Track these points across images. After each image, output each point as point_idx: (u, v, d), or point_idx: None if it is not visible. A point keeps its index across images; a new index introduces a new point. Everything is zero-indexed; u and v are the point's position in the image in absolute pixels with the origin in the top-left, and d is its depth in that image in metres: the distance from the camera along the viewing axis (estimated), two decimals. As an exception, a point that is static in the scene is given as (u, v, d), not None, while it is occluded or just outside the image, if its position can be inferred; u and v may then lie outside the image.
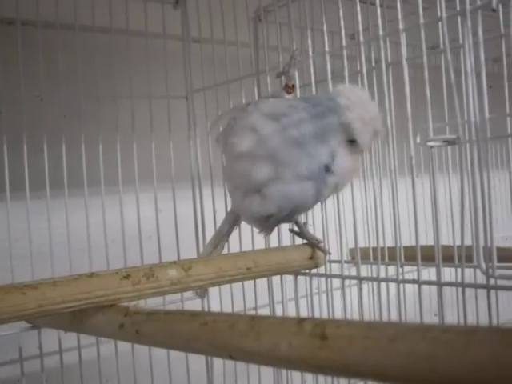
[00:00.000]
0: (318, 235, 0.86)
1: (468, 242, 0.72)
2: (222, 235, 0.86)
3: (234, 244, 0.91)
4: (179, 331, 0.58)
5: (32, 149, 0.86)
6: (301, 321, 0.48)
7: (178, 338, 0.58)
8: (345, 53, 0.82)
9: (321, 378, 0.93)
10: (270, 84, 0.96)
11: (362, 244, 0.90)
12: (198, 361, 0.98)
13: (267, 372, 0.98)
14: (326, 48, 0.85)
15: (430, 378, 0.39)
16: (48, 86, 0.87)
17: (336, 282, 0.89)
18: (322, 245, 0.85)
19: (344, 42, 0.82)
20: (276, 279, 0.99)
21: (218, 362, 1.00)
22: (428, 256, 0.80)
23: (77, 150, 0.89)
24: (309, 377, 1.00)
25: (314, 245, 0.84)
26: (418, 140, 0.76)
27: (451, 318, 0.81)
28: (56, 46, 0.88)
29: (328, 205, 0.86)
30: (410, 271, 0.86)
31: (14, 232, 0.84)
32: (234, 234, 0.89)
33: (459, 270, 0.75)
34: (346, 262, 0.87)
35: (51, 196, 0.86)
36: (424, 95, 0.75)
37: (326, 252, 0.85)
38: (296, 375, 0.99)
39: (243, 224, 0.87)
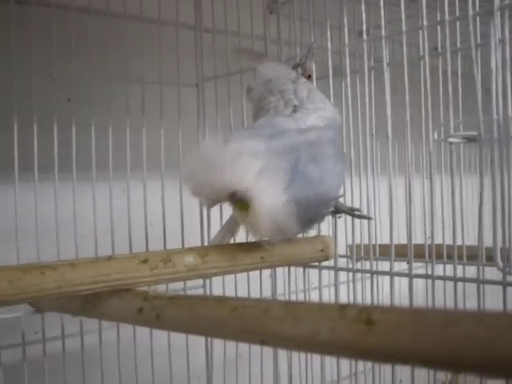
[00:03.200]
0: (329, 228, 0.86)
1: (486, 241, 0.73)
2: (234, 223, 0.85)
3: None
4: (205, 316, 0.57)
5: (41, 130, 0.84)
6: (342, 307, 0.48)
7: (203, 324, 0.57)
8: (365, 47, 0.82)
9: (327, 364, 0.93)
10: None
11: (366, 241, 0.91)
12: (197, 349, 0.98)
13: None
14: (346, 41, 0.85)
15: (486, 363, 0.39)
16: (60, 66, 0.85)
17: (343, 276, 0.89)
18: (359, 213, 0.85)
19: (365, 36, 0.82)
20: (278, 271, 1.00)
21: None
22: (440, 254, 0.81)
23: (86, 133, 0.88)
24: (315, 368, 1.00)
25: (353, 215, 0.84)
26: (436, 137, 0.76)
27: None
28: (69, 27, 0.86)
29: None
30: (421, 267, 0.86)
31: (19, 213, 0.82)
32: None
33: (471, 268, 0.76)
34: (359, 257, 0.88)
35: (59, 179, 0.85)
36: (438, 94, 0.76)
37: (369, 217, 0.85)
38: (295, 365, 0.99)
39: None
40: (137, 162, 0.93)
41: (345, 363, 0.93)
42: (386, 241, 0.84)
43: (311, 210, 0.70)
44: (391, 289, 0.82)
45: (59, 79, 0.86)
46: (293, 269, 0.94)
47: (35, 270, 0.61)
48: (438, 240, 0.83)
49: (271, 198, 0.64)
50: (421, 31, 0.77)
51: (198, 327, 0.58)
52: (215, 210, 0.97)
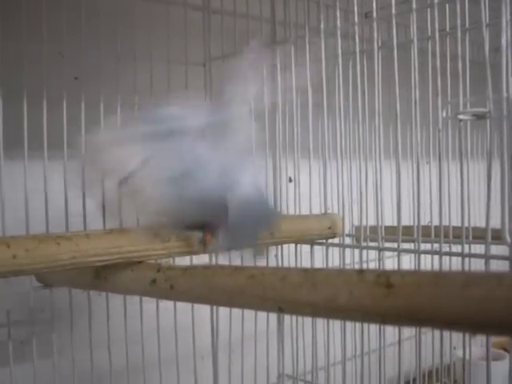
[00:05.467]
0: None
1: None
2: None
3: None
4: (221, 285, 0.58)
5: (51, 107, 0.85)
6: (361, 271, 0.48)
7: (219, 292, 0.58)
8: (375, 26, 0.83)
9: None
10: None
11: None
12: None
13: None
14: (356, 20, 0.85)
15: (506, 322, 0.39)
16: (70, 42, 0.86)
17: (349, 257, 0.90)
18: None
19: (375, 14, 0.83)
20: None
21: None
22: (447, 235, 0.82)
23: (95, 110, 0.88)
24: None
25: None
26: (445, 114, 0.77)
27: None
28: (80, 5, 0.86)
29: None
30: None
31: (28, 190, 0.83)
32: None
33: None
34: (366, 236, 0.88)
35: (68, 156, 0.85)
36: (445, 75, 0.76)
37: None
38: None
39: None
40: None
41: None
42: (390, 224, 0.86)
43: (195, 204, 0.69)
44: (398, 267, 0.83)
45: (69, 56, 0.87)
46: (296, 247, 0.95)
47: (51, 240, 0.62)
48: (445, 222, 0.83)
49: (153, 184, 0.67)
50: (429, 9, 0.78)
51: (213, 296, 0.59)
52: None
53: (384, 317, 0.46)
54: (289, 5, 0.96)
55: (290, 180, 1.04)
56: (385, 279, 0.46)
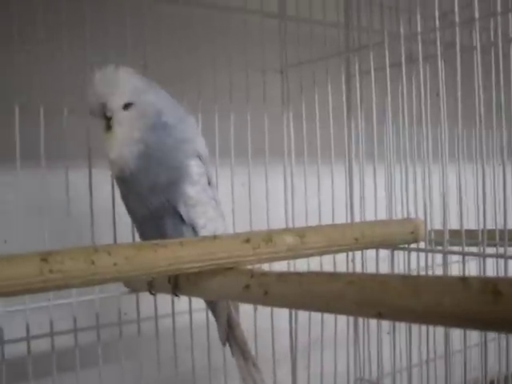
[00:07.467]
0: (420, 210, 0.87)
1: None
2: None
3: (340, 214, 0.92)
4: (318, 291, 0.58)
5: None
6: (464, 278, 0.49)
7: (316, 298, 0.59)
8: (457, 30, 0.83)
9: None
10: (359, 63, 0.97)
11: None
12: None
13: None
14: (437, 25, 0.85)
15: None
16: (153, 54, 0.88)
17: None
18: None
19: (457, 19, 0.83)
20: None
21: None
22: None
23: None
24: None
25: None
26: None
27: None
28: (160, 17, 0.89)
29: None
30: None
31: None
32: (341, 203, 0.90)
33: None
34: (449, 240, 0.88)
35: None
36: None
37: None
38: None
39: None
40: (225, 147, 0.95)
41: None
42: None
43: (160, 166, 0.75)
44: (463, 269, 0.83)
45: (151, 67, 0.89)
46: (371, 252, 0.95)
47: (148, 248, 0.64)
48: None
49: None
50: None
51: (309, 302, 0.60)
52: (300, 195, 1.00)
53: (492, 325, 0.46)
54: (367, 10, 0.96)
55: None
56: (492, 287, 0.46)
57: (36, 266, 0.57)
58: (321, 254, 0.78)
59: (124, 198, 0.80)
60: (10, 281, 0.56)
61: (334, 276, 0.58)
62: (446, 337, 0.87)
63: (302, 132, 1.00)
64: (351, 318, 1.05)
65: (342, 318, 1.01)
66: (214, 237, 0.69)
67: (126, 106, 0.75)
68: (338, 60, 1.00)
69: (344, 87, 1.01)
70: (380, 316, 0.54)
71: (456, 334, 0.93)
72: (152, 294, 0.83)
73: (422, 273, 0.90)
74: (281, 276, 0.63)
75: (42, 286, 0.58)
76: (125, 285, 0.88)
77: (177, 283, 0.75)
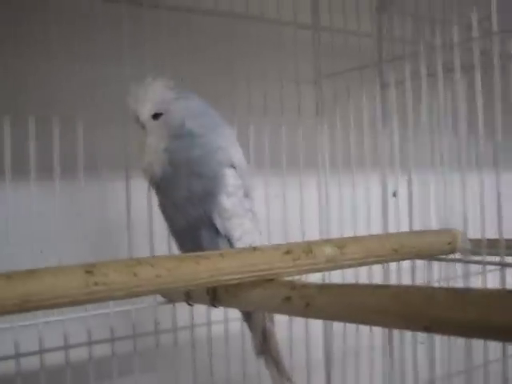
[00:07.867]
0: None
1: None
2: None
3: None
4: (362, 303, 0.58)
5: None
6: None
7: (359, 311, 0.59)
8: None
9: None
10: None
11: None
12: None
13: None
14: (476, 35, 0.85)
15: None
16: (189, 67, 0.89)
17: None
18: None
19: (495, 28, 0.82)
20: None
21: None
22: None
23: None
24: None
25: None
26: None
27: None
28: (197, 30, 0.90)
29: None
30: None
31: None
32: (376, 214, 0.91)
33: None
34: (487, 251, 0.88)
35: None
36: None
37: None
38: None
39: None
40: (259, 158, 0.95)
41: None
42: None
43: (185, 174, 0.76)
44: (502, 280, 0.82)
45: (188, 80, 0.90)
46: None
47: (190, 260, 0.64)
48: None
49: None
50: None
51: (352, 314, 0.60)
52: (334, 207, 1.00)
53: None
54: (399, 20, 0.96)
55: (394, 195, 1.05)
56: (545, 300, 0.46)
57: (81, 278, 0.57)
58: (359, 265, 0.77)
59: (161, 206, 0.80)
60: (56, 293, 0.56)
61: (377, 288, 0.58)
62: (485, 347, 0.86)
63: (337, 142, 1.00)
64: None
65: (378, 328, 1.01)
66: (254, 248, 0.69)
67: (156, 116, 0.76)
68: (371, 70, 1.00)
69: (378, 97, 1.01)
70: (427, 330, 0.54)
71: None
72: (190, 304, 0.83)
73: (457, 283, 0.89)
74: (322, 288, 0.63)
75: (87, 298, 0.58)
76: (162, 295, 0.88)
77: (215, 294, 0.75)
